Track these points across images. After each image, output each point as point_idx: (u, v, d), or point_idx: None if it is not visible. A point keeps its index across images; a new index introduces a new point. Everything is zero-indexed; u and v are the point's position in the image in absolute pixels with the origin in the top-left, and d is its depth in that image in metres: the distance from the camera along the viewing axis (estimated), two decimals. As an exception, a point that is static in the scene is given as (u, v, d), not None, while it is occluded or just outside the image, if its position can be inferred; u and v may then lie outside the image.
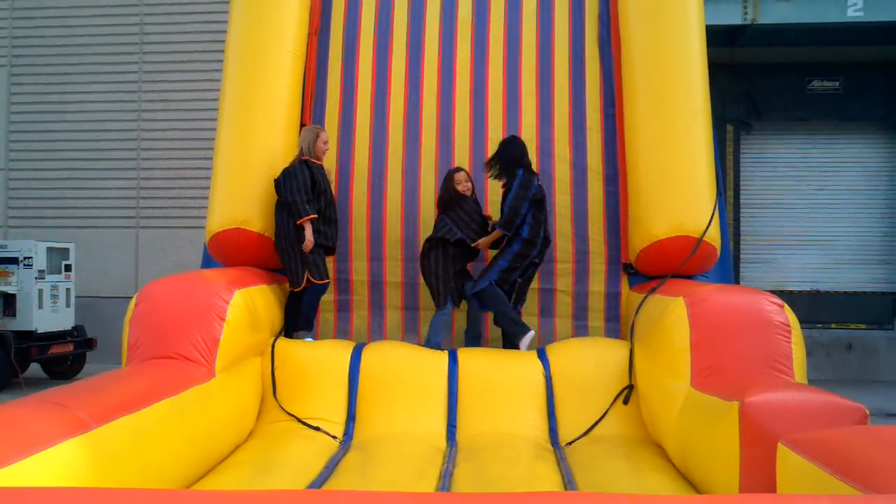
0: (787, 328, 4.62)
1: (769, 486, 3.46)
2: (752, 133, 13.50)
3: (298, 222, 6.23)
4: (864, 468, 2.80)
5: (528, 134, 6.97)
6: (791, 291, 12.85)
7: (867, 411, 3.69)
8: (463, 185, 6.61)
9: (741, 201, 13.46)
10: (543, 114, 7.06)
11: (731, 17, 11.56)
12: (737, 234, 13.21)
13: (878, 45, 12.53)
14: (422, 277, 6.68)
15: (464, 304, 6.68)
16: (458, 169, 6.74)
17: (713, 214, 6.03)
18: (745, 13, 11.59)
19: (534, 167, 6.57)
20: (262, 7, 6.76)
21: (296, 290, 6.36)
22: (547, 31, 7.32)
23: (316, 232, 6.35)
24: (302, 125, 7.02)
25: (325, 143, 6.62)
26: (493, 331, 6.72)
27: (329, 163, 7.05)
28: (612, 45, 7.14)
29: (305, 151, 6.42)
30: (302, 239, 6.26)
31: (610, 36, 7.19)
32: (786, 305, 4.76)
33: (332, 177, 7.06)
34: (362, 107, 7.25)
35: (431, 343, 6.37)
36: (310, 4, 7.19)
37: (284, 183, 6.28)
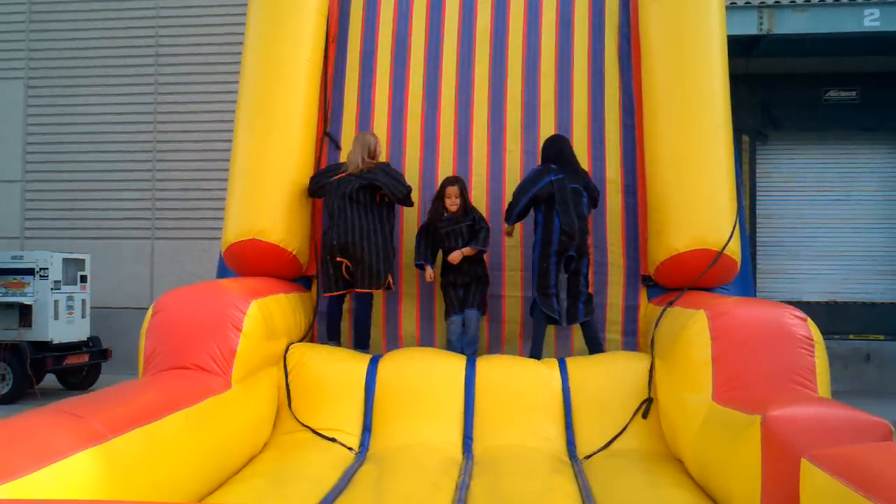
0: (811, 342, 4.55)
1: (792, 503, 3.39)
2: (769, 144, 13.43)
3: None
4: (889, 485, 2.74)
5: None
6: (808, 302, 12.73)
7: (892, 427, 3.63)
8: (450, 200, 6.52)
9: (757, 212, 13.39)
10: (562, 125, 7.00)
11: (747, 27, 11.50)
12: (753, 245, 13.12)
13: (894, 55, 12.45)
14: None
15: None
16: (452, 182, 6.61)
17: (734, 227, 5.97)
18: (761, 23, 11.52)
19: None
20: (279, 15, 6.71)
21: (375, 290, 6.47)
22: (566, 42, 7.28)
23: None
24: (327, 134, 7.07)
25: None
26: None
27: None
28: (633, 57, 7.09)
29: (374, 154, 6.56)
30: (389, 242, 6.50)
31: (630, 47, 7.14)
32: (809, 319, 4.69)
33: None
34: (380, 115, 7.22)
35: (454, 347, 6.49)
36: (327, 13, 7.17)
37: (395, 179, 6.45)
